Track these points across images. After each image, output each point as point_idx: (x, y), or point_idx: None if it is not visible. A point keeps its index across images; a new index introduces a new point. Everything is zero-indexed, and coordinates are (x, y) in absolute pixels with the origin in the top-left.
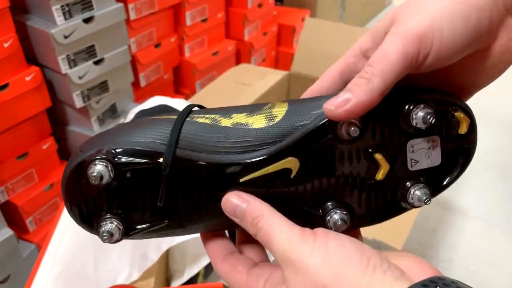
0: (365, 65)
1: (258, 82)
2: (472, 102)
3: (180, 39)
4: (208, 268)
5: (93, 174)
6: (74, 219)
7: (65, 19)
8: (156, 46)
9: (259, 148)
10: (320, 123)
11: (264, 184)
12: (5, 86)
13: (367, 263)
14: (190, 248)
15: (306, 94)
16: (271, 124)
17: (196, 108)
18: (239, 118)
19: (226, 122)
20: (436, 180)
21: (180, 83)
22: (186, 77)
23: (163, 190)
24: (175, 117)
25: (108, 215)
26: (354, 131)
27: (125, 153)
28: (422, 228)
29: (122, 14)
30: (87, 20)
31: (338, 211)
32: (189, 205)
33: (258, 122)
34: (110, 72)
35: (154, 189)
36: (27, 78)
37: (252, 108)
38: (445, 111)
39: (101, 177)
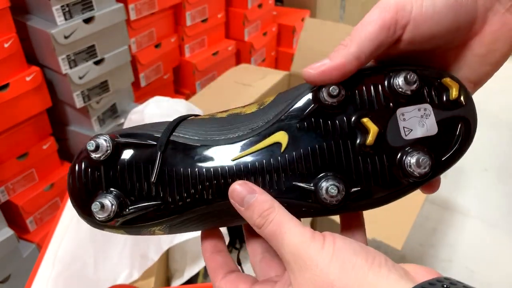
0: None
1: (258, 82)
2: None
3: (180, 39)
4: None
5: (90, 142)
6: (74, 205)
7: (65, 19)
8: (156, 46)
9: (250, 128)
10: (304, 95)
11: (256, 162)
12: (6, 86)
13: (372, 261)
14: (190, 248)
15: None
16: (261, 107)
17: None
18: (234, 110)
19: (221, 114)
20: (438, 151)
21: (180, 83)
22: (186, 77)
23: (157, 167)
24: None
25: (104, 193)
26: (334, 89)
27: (126, 135)
28: (422, 228)
29: (122, 14)
30: (87, 20)
31: (330, 180)
32: (182, 187)
33: (250, 109)
34: (110, 72)
35: (150, 170)
36: (28, 78)
37: (247, 104)
38: (430, 79)
39: (98, 147)
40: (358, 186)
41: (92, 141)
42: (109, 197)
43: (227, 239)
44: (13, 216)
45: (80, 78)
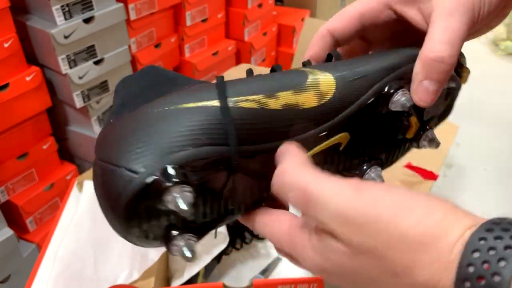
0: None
1: None
2: (472, 101)
3: (180, 39)
4: (208, 268)
5: (179, 203)
6: (139, 241)
7: (65, 19)
8: (156, 46)
9: (313, 127)
10: (372, 99)
11: (314, 160)
12: (6, 86)
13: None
14: None
15: (321, 31)
16: (322, 102)
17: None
18: (286, 98)
19: (274, 104)
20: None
21: None
22: None
23: (230, 190)
24: (205, 103)
25: (180, 232)
26: (405, 104)
27: (192, 167)
28: None
29: (122, 14)
30: (87, 20)
31: (374, 170)
32: (253, 196)
33: (308, 101)
34: (110, 72)
35: (221, 190)
36: (27, 78)
37: (290, 83)
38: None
39: (190, 204)
40: (387, 165)
41: (180, 201)
42: (187, 236)
43: (227, 239)
44: (13, 216)
45: (80, 78)
